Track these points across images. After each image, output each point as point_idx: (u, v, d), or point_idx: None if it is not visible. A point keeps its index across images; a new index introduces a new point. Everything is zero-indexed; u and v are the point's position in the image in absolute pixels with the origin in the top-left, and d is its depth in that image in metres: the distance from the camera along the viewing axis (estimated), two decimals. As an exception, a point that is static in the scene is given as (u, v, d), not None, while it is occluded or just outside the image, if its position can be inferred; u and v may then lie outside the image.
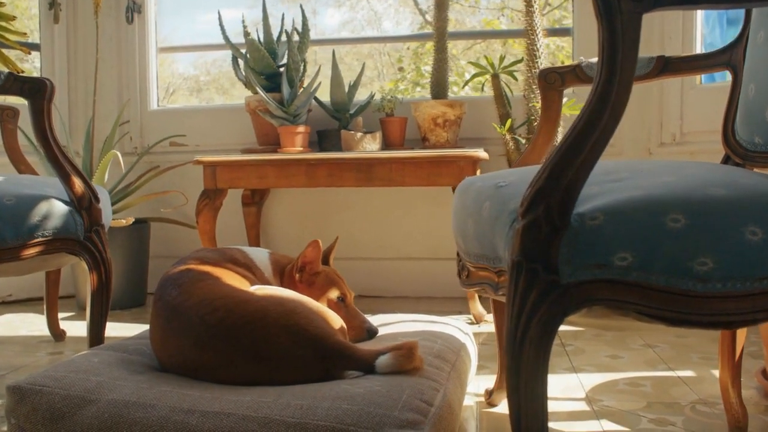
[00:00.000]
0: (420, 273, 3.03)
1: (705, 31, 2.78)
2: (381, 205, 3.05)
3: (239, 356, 1.24)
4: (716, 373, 1.84)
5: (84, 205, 1.60)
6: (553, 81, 1.53)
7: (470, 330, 1.78)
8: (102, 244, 1.63)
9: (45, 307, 2.31)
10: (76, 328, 2.50)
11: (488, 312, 2.61)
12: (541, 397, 0.84)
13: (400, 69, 5.15)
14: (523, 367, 0.84)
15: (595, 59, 1.52)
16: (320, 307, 1.37)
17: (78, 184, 1.60)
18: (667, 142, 2.82)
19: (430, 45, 5.30)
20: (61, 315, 2.50)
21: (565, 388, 1.74)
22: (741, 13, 2.87)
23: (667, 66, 1.50)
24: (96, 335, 1.64)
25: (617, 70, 0.81)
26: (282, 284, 1.59)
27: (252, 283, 1.49)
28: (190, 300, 1.31)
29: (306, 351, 1.24)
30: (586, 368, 1.90)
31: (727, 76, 2.85)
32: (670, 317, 0.84)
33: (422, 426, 1.09)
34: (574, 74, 1.53)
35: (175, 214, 3.05)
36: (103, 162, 2.64)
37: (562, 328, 2.34)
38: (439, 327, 1.67)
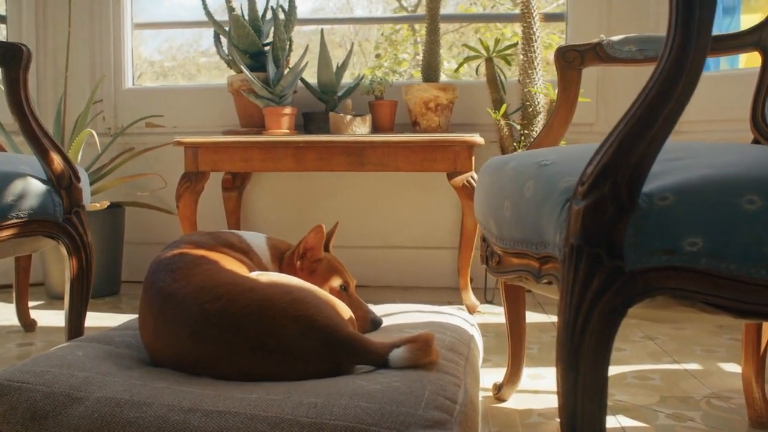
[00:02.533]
0: (408, 262, 2.94)
1: (701, 19, 2.73)
2: (368, 192, 2.95)
3: (242, 349, 1.13)
4: (723, 366, 1.79)
5: (63, 184, 1.47)
6: (572, 60, 1.45)
7: (475, 321, 1.69)
8: (83, 227, 1.51)
9: (14, 295, 2.16)
10: (48, 318, 2.35)
11: (482, 302, 2.54)
12: (601, 397, 0.76)
13: (378, 56, 5.03)
14: (582, 363, 0.76)
15: (616, 37, 1.44)
16: (328, 296, 1.27)
17: (57, 161, 1.46)
18: (661, 131, 2.77)
19: (408, 32, 5.20)
20: (30, 303, 2.35)
21: (573, 382, 1.67)
22: (737, 1, 2.84)
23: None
24: (75, 326, 1.51)
25: (693, 32, 0.73)
26: (280, 271, 1.48)
27: (250, 270, 1.38)
28: (187, 287, 1.20)
29: (315, 343, 1.14)
30: (590, 361, 1.83)
31: (722, 65, 2.83)
32: (740, 308, 0.77)
33: (450, 425, 1.00)
34: (594, 53, 1.45)
35: (151, 199, 2.90)
36: (77, 141, 2.49)
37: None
38: (446, 318, 1.58)
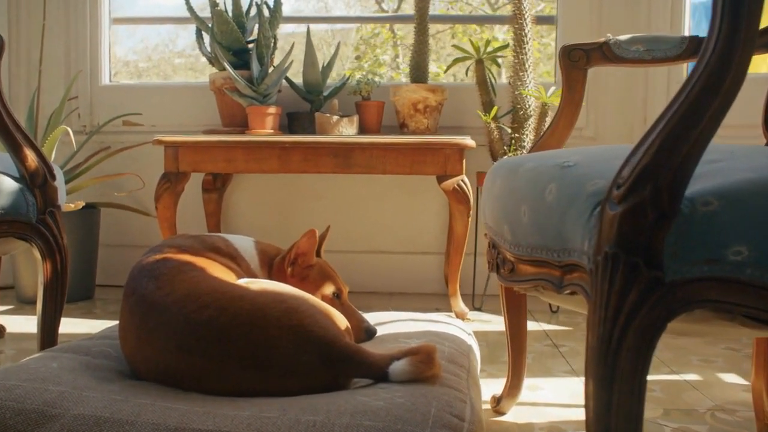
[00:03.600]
0: (393, 267, 2.87)
1: (692, 24, 2.71)
2: (352, 195, 2.87)
3: (233, 362, 1.05)
4: (723, 376, 1.75)
5: (37, 183, 1.37)
6: (577, 59, 1.39)
7: (469, 329, 1.63)
8: (58, 228, 1.41)
9: (-19, 299, 2.04)
10: (17, 324, 2.24)
11: (470, 309, 2.48)
12: (637, 420, 0.69)
13: (357, 58, 4.95)
14: (618, 382, 0.69)
15: (623, 36, 1.38)
16: (323, 305, 1.19)
17: (31, 157, 1.37)
18: (651, 136, 2.74)
19: (388, 35, 5.13)
20: (-2, 308, 2.23)
21: (572, 394, 1.61)
22: (728, 6, 2.81)
23: (701, 48, 1.37)
24: (48, 334, 1.41)
25: (742, 22, 0.67)
26: (270, 277, 1.40)
27: (238, 276, 1.30)
28: (172, 295, 1.12)
29: (311, 356, 1.07)
30: (587, 371, 1.78)
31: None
32: (786, 323, 0.71)
33: (460, 446, 0.93)
34: (601, 52, 1.39)
35: (128, 199, 2.79)
36: (51, 138, 2.38)
37: (551, 327, 2.23)
38: (442, 327, 1.51)
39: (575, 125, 1.44)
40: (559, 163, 0.86)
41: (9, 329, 2.14)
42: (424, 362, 1.11)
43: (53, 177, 1.40)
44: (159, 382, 1.09)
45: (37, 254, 1.39)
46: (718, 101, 0.67)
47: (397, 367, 1.10)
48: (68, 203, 2.42)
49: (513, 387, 1.43)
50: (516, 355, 1.41)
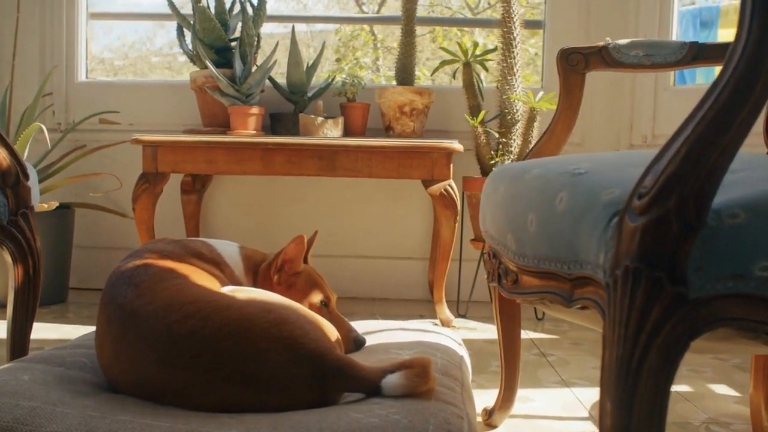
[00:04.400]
0: (376, 273, 2.82)
1: (679, 31, 2.70)
2: (335, 198, 2.82)
3: (218, 376, 0.99)
4: (714, 387, 1.73)
5: (9, 182, 1.29)
6: (575, 63, 1.36)
7: (459, 338, 1.58)
8: (31, 231, 1.33)
9: (-52, 303, 1.95)
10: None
11: (456, 316, 2.44)
12: (658, 444, 0.65)
13: (338, 60, 4.90)
14: (638, 404, 0.65)
15: (622, 41, 1.35)
16: (313, 315, 1.14)
17: (2, 155, 1.29)
18: (638, 143, 2.72)
19: (369, 37, 5.08)
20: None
21: (564, 405, 1.57)
22: (715, 15, 2.82)
23: (701, 53, 1.35)
24: (19, 343, 1.34)
25: (774, 25, 0.63)
26: (255, 285, 1.34)
27: (222, 283, 1.24)
28: (153, 304, 1.05)
29: (302, 369, 1.01)
30: (577, 382, 1.74)
31: (697, 79, 2.80)
32: (812, 343, 0.67)
33: (460, 467, 0.88)
34: (600, 56, 1.36)
35: (102, 200, 2.71)
36: (24, 135, 2.29)
37: (537, 335, 2.20)
38: (433, 337, 1.46)
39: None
40: (570, 170, 0.82)
41: (-23, 334, 2.04)
42: (419, 376, 1.06)
43: (26, 176, 1.32)
44: (138, 396, 1.03)
45: (8, 258, 1.32)
46: (748, 107, 0.63)
47: (391, 381, 1.05)
48: (42, 203, 2.33)
49: (505, 400, 1.39)
50: (509, 367, 1.37)
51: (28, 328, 1.36)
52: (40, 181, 2.48)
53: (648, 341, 0.65)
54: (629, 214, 0.67)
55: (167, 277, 1.13)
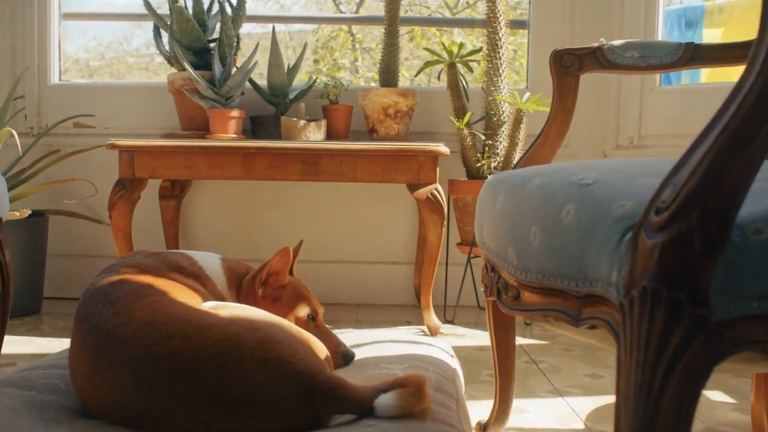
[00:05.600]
0: (360, 278, 2.76)
1: (664, 31, 2.68)
2: (318, 202, 2.76)
3: (201, 400, 0.93)
4: (708, 394, 1.69)
5: (-24, 194, 1.22)
6: (569, 64, 1.31)
7: (451, 349, 1.53)
8: (-1, 245, 1.26)
9: None
10: (-46, 344, 2.05)
11: (444, 322, 2.39)
12: (680, 479, 0.60)
13: (316, 61, 4.83)
14: (659, 435, 0.60)
15: (617, 42, 1.31)
16: (301, 332, 1.08)
17: (-32, 165, 1.22)
18: (624, 144, 2.70)
19: (347, 38, 5.02)
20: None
21: (559, 416, 1.53)
22: (700, 15, 2.80)
23: (697, 54, 1.32)
24: (-11, 364, 1.26)
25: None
26: (239, 299, 1.28)
27: (204, 298, 1.18)
28: (131, 324, 0.99)
29: (290, 392, 0.95)
30: (570, 391, 1.70)
31: (683, 79, 2.78)
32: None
33: (461, 497, 0.83)
34: (594, 58, 1.32)
35: (78, 207, 2.62)
36: (-7, 142, 2.20)
37: (526, 341, 2.15)
38: (424, 349, 1.41)
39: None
40: (576, 181, 0.77)
41: (-55, 350, 1.95)
42: (414, 395, 1.01)
43: (-6, 187, 1.25)
44: (116, 422, 0.97)
45: (-25, 273, 1.24)
46: (774, 114, 0.58)
47: (385, 401, 1.00)
48: (14, 211, 2.24)
49: (501, 413, 1.34)
50: (504, 379, 1.32)
51: (-2, 347, 1.28)
52: (11, 188, 2.39)
53: (669, 367, 0.60)
54: (646, 230, 0.62)
55: (145, 294, 1.07)
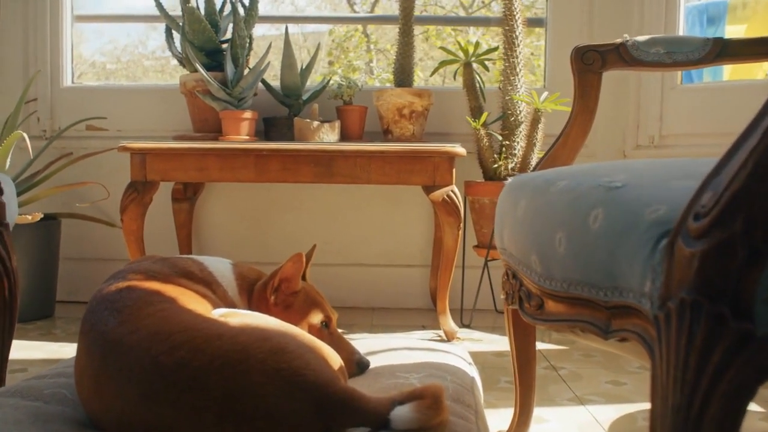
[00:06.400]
0: (375, 281, 2.72)
1: (686, 28, 2.61)
2: (332, 205, 2.72)
3: (209, 414, 0.89)
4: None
5: (-19, 198, 1.19)
6: (591, 62, 1.26)
7: (469, 356, 1.48)
8: (6, 250, 1.23)
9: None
10: (-34, 349, 2.03)
11: (460, 327, 2.34)
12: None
13: (330, 63, 4.80)
14: (699, 462, 0.55)
15: (641, 37, 1.26)
16: (314, 341, 1.04)
17: (-26, 169, 1.19)
18: (644, 144, 2.64)
19: (362, 39, 4.98)
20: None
21: (581, 426, 1.48)
22: (723, 11, 2.73)
23: (725, 50, 1.26)
24: (-5, 373, 1.23)
25: None
26: (250, 306, 1.24)
27: (214, 305, 1.14)
28: (137, 333, 0.95)
29: (302, 404, 0.91)
30: (592, 398, 1.65)
31: (705, 77, 2.72)
32: None
33: None
34: (618, 54, 1.27)
35: (90, 210, 2.60)
36: (4, 145, 2.18)
37: (545, 346, 2.10)
38: (441, 357, 1.37)
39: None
40: (604, 183, 0.72)
41: (-43, 355, 1.94)
42: (431, 407, 0.96)
43: (0, 191, 1.22)
44: (121, 435, 0.93)
45: (-19, 279, 1.22)
46: (825, 112, 0.54)
47: (401, 413, 0.95)
48: (25, 215, 2.23)
49: (521, 423, 1.29)
50: (524, 389, 1.27)
51: (5, 356, 1.26)
52: (24, 192, 2.38)
53: (710, 387, 0.55)
54: (683, 237, 0.58)
55: (153, 301, 1.03)
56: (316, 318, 1.26)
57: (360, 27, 4.54)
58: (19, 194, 2.39)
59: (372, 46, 4.78)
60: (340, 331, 1.35)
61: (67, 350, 2.02)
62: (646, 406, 1.58)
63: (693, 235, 0.57)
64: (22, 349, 2.03)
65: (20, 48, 2.68)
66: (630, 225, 0.66)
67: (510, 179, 1.03)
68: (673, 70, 1.32)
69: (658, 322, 0.60)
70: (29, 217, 2.22)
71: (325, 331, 1.26)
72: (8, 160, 2.23)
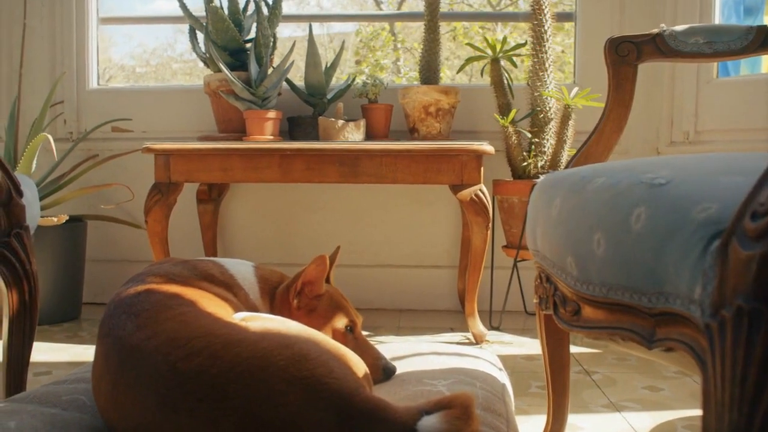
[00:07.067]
0: (402, 282, 2.67)
1: (722, 20, 2.52)
2: (358, 205, 2.68)
3: (228, 423, 0.86)
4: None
5: (1, 200, 1.18)
6: (626, 53, 1.20)
7: (498, 361, 1.43)
8: (25, 253, 1.21)
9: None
10: (-7, 351, 2.04)
11: (489, 329, 2.29)
12: None
13: (357, 62, 4.76)
14: (759, 488, 0.50)
15: (679, 27, 1.19)
16: (338, 347, 1.00)
17: (-8, 171, 1.17)
18: (679, 140, 2.55)
19: (389, 38, 4.94)
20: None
21: (616, 435, 1.42)
22: (761, 1, 2.63)
23: (770, 38, 1.19)
24: (16, 378, 1.21)
25: None
26: (272, 309, 1.20)
27: (235, 309, 1.10)
28: (155, 338, 0.92)
29: (325, 413, 0.87)
30: (628, 405, 1.59)
31: (741, 70, 2.62)
32: None
33: None
34: (654, 45, 1.20)
35: (116, 211, 2.60)
36: (30, 147, 2.18)
37: (577, 349, 2.03)
38: (471, 362, 1.32)
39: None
40: (647, 180, 0.67)
41: (-17, 357, 1.94)
42: (460, 418, 0.91)
43: (20, 193, 1.20)
44: (138, 445, 0.90)
45: (1, 283, 1.20)
46: None
47: (428, 423, 0.90)
48: (51, 217, 2.23)
49: (556, 430, 1.24)
50: (557, 395, 1.22)
51: (26, 361, 1.24)
52: (50, 193, 2.38)
53: (772, 404, 0.50)
54: (739, 239, 0.52)
55: (172, 305, 1.00)
56: (341, 322, 1.22)
57: (387, 26, 4.50)
58: (45, 196, 2.39)
59: (399, 45, 4.73)
60: (365, 334, 1.31)
61: (93, 353, 2.00)
62: (686, 413, 1.51)
63: (750, 235, 0.51)
64: (47, 352, 2.02)
65: (47, 51, 2.69)
66: (677, 225, 0.60)
67: (543, 177, 0.98)
68: (714, 61, 1.25)
69: (710, 332, 0.55)
70: (55, 219, 2.21)
71: (349, 336, 1.22)
72: (34, 162, 2.24)
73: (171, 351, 0.90)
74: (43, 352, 2.02)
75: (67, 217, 2.28)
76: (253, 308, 1.17)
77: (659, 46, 1.20)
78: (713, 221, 0.58)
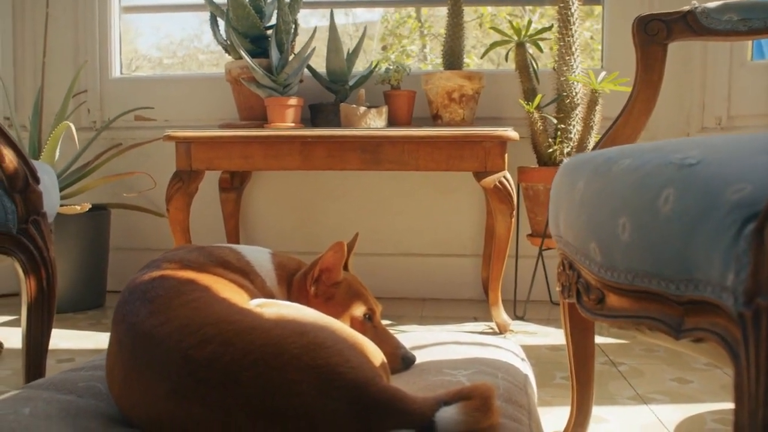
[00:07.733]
0: (425, 271, 2.64)
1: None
2: (380, 193, 2.66)
3: (241, 412, 0.84)
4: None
5: (18, 187, 1.17)
6: (655, 32, 1.15)
7: (522, 352, 1.40)
8: (43, 240, 1.21)
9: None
10: (19, 338, 2.06)
11: (514, 319, 2.25)
12: None
13: (384, 48, 4.72)
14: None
15: (712, 3, 1.14)
16: (354, 335, 0.97)
17: (9, 158, 1.17)
18: (710, 126, 2.48)
19: (415, 24, 4.88)
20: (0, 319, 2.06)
21: (644, 427, 1.37)
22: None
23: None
24: (35, 365, 1.21)
25: None
26: (289, 297, 1.18)
27: (251, 296, 1.09)
28: (168, 324, 0.91)
29: (340, 403, 0.85)
30: (655, 397, 1.54)
31: (777, 53, 2.53)
32: None
33: None
34: (685, 23, 1.15)
35: (140, 200, 2.61)
36: (53, 136, 2.19)
37: (603, 339, 1.99)
38: (492, 352, 1.28)
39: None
40: (676, 161, 0.63)
41: (9, 344, 1.96)
42: (480, 410, 0.88)
43: (37, 180, 1.20)
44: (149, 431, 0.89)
45: (19, 269, 1.20)
46: None
47: (447, 415, 0.88)
48: (74, 205, 2.24)
49: (578, 424, 1.20)
50: (582, 387, 1.18)
51: (44, 347, 1.24)
52: (73, 182, 2.39)
53: (811, 400, 0.46)
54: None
55: (185, 291, 0.98)
56: (359, 310, 1.19)
57: (413, 13, 4.44)
58: (69, 185, 2.40)
59: (426, 31, 4.68)
60: (387, 323, 1.29)
61: (115, 340, 2.01)
62: (716, 407, 1.46)
63: (786, 217, 0.47)
64: (71, 339, 2.03)
65: (70, 41, 2.69)
66: (708, 207, 0.57)
67: (566, 159, 0.94)
68: (748, 39, 1.20)
69: (743, 321, 0.51)
70: (78, 208, 2.22)
71: (368, 324, 1.20)
72: (57, 151, 2.25)
73: (183, 338, 0.88)
74: (66, 339, 2.03)
75: (90, 206, 2.29)
76: (269, 295, 1.15)
77: (690, 24, 1.15)
78: (747, 203, 0.54)
